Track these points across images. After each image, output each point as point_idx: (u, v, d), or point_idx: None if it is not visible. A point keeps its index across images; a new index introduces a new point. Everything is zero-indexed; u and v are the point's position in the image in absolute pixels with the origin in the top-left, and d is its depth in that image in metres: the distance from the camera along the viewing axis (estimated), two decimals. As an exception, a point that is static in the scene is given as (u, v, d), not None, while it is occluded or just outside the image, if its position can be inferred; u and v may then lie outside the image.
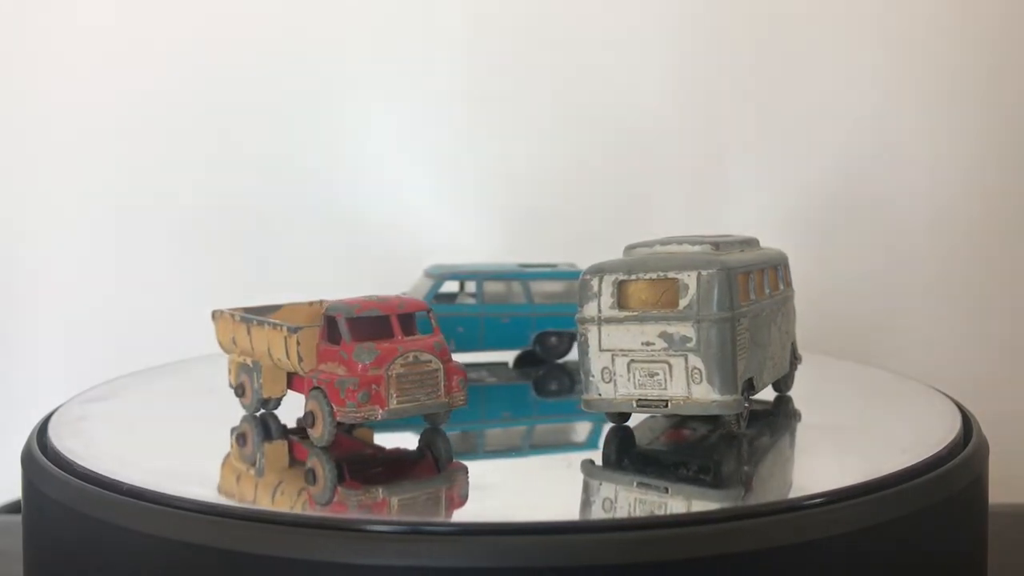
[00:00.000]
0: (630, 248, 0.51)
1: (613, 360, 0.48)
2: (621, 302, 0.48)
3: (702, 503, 0.41)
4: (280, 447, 0.50)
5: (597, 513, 0.41)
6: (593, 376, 0.48)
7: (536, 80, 0.90)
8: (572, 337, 0.69)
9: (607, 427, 0.51)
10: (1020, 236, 0.88)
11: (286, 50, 0.89)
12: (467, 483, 0.45)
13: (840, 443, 0.50)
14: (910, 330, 0.88)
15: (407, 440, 0.51)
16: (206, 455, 0.49)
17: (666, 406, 0.47)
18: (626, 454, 0.48)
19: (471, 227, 0.89)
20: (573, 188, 0.90)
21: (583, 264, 0.57)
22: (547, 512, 0.41)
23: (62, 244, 0.89)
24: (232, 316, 0.54)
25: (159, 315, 0.88)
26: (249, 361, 0.53)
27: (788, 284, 0.56)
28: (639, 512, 0.41)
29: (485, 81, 0.90)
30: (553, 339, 0.69)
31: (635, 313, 0.47)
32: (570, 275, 0.70)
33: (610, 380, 0.48)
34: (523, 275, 0.69)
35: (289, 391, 0.53)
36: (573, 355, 0.69)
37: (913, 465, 0.43)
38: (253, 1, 0.90)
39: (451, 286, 0.71)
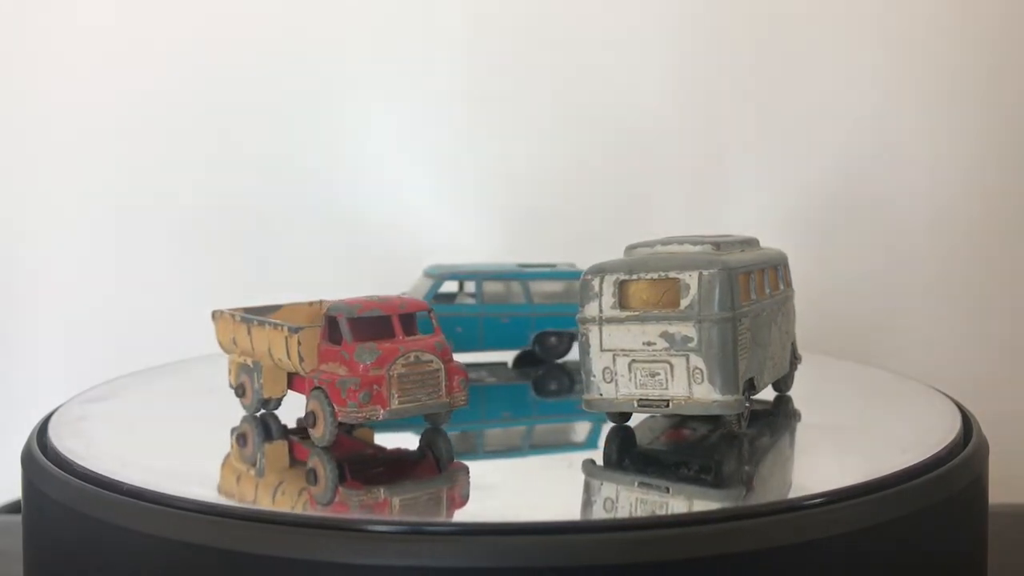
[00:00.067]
0: (631, 248, 0.51)
1: (614, 360, 0.48)
2: (622, 302, 0.48)
3: (703, 503, 0.41)
4: (281, 447, 0.50)
5: (598, 513, 0.41)
6: (594, 376, 0.48)
7: (536, 80, 0.90)
8: (571, 337, 0.69)
9: (607, 427, 0.51)
10: (1020, 236, 0.88)
11: (286, 50, 0.89)
12: (468, 483, 0.45)
13: (840, 443, 0.50)
14: (910, 330, 0.88)
15: (408, 440, 0.51)
16: (206, 455, 0.49)
17: (667, 406, 0.47)
18: (627, 454, 0.48)
19: (471, 227, 0.89)
20: (573, 188, 0.90)
21: (583, 264, 0.57)
22: (548, 512, 0.41)
23: (62, 244, 0.89)
24: (232, 316, 0.54)
25: (159, 315, 0.88)
26: (249, 361, 0.53)
27: (788, 284, 0.56)
28: (640, 512, 0.41)
29: (485, 81, 0.90)
30: (552, 339, 0.69)
31: (636, 313, 0.47)
32: (569, 275, 0.70)
33: (611, 380, 0.48)
34: (522, 275, 0.69)
35: (290, 391, 0.53)
36: (572, 355, 0.69)
37: (913, 465, 0.43)
38: (253, 1, 0.90)
39: (450, 286, 0.71)
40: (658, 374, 0.47)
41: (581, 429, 0.56)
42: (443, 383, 0.48)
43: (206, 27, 0.89)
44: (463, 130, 0.90)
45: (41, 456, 0.46)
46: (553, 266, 0.72)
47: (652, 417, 0.52)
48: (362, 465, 0.48)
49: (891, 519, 0.40)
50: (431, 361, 0.48)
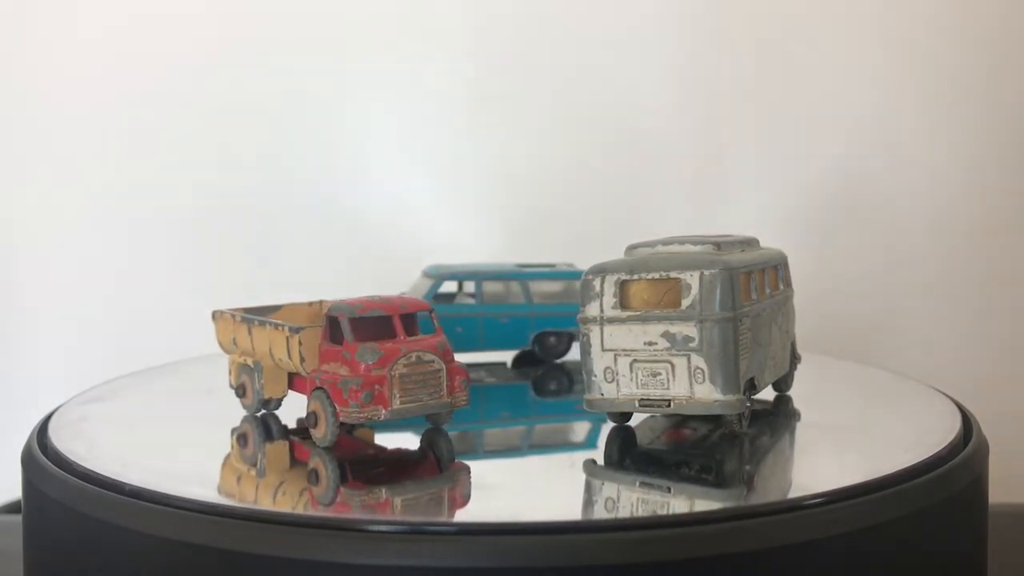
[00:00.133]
0: (632, 248, 0.51)
1: (615, 360, 0.48)
2: (623, 302, 0.48)
3: (704, 503, 0.41)
4: (281, 447, 0.50)
5: (599, 513, 0.41)
6: (595, 376, 0.48)
7: (536, 80, 0.90)
8: (571, 337, 0.69)
9: (608, 427, 0.51)
10: (1020, 236, 0.88)
11: (286, 50, 0.89)
12: (469, 483, 0.45)
13: (840, 443, 0.50)
14: (910, 330, 0.88)
15: (409, 440, 0.51)
16: (206, 455, 0.49)
17: (669, 406, 0.47)
18: (628, 454, 0.48)
19: (471, 227, 0.89)
20: (573, 188, 0.90)
21: (582, 264, 0.57)
22: (550, 512, 0.41)
23: (62, 244, 0.89)
24: (232, 316, 0.54)
25: (159, 315, 0.88)
26: (250, 361, 0.53)
27: (788, 284, 0.56)
28: (641, 512, 0.41)
29: (485, 81, 0.90)
30: (552, 339, 0.69)
31: (637, 313, 0.47)
32: (569, 275, 0.70)
33: (612, 380, 0.48)
34: (522, 275, 0.69)
35: (290, 391, 0.53)
36: (572, 355, 0.69)
37: (913, 465, 0.43)
38: (253, 1, 0.90)
39: (450, 286, 0.71)
40: (659, 374, 0.47)
41: (581, 429, 0.56)
42: (445, 383, 0.48)
43: (206, 27, 0.89)
44: (463, 130, 0.90)
45: (41, 456, 0.46)
46: (552, 266, 0.72)
47: (652, 417, 0.52)
48: (363, 465, 0.48)
49: (891, 519, 0.40)
50: (433, 361, 0.48)
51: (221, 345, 0.55)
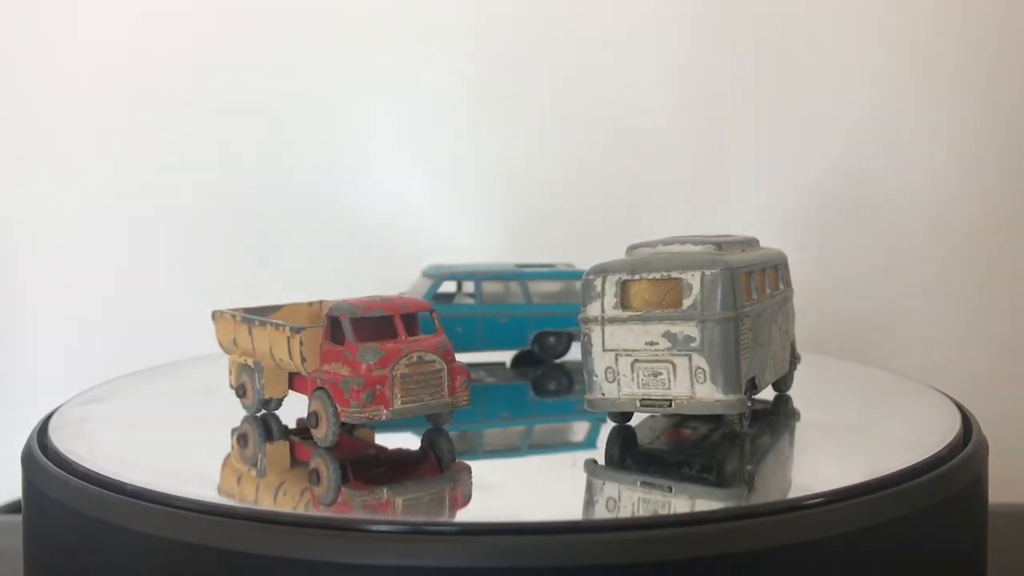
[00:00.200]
0: (632, 248, 0.51)
1: (617, 360, 0.48)
2: (624, 302, 0.48)
3: (705, 503, 0.41)
4: (282, 447, 0.50)
5: (600, 513, 0.41)
6: (597, 376, 0.48)
7: (536, 80, 0.90)
8: (570, 337, 0.69)
9: (608, 427, 0.51)
10: (1020, 236, 0.88)
11: (286, 50, 0.89)
12: (470, 483, 0.45)
13: (840, 443, 0.50)
14: (910, 330, 0.88)
15: (409, 440, 0.51)
16: (206, 455, 0.49)
17: (670, 406, 0.47)
18: (629, 454, 0.48)
19: (471, 227, 0.89)
20: (573, 188, 0.90)
21: (582, 264, 0.57)
22: (551, 512, 0.41)
23: (62, 244, 0.89)
24: (233, 316, 0.54)
25: (159, 315, 0.88)
26: (250, 361, 0.53)
27: (788, 284, 0.56)
28: (642, 512, 0.41)
29: (485, 81, 0.90)
30: (551, 339, 0.69)
31: (639, 313, 0.47)
32: (568, 275, 0.70)
33: (614, 380, 0.48)
34: (521, 275, 0.69)
35: (291, 391, 0.53)
36: (571, 355, 0.69)
37: (913, 465, 0.43)
38: (253, 1, 0.90)
39: (449, 286, 0.71)
40: (660, 374, 0.47)
41: (582, 429, 0.56)
42: (446, 383, 0.48)
43: (206, 27, 0.89)
44: (463, 130, 0.90)
45: (41, 456, 0.46)
46: (551, 266, 0.72)
47: (652, 417, 0.52)
48: (364, 465, 0.48)
49: (891, 519, 0.40)
50: (434, 361, 0.48)
51: (221, 345, 0.55)
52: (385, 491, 0.43)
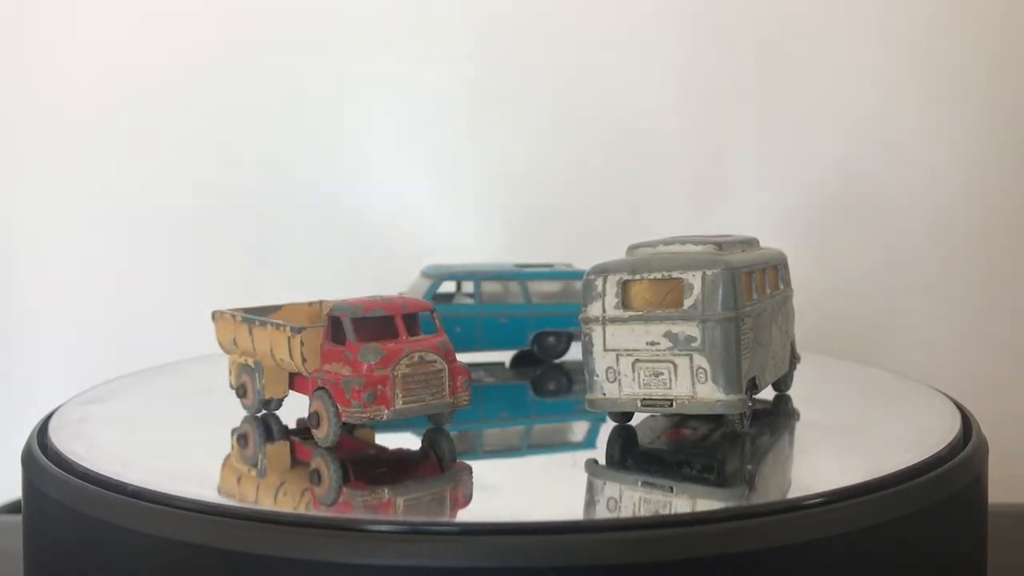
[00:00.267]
0: (633, 248, 0.51)
1: (618, 360, 0.48)
2: (625, 302, 0.48)
3: (705, 503, 0.41)
4: (282, 447, 0.50)
5: (601, 513, 0.41)
6: (597, 376, 0.48)
7: (536, 80, 0.90)
8: (570, 337, 0.69)
9: (608, 427, 0.51)
10: (1020, 236, 0.88)
11: (286, 50, 0.89)
12: (471, 483, 0.45)
13: (840, 443, 0.50)
14: (910, 330, 0.88)
15: (410, 440, 0.51)
16: (206, 455, 0.49)
17: (671, 405, 0.47)
18: (629, 454, 0.48)
19: (471, 227, 0.89)
20: (573, 188, 0.90)
21: (581, 264, 0.57)
22: (551, 512, 0.41)
23: (62, 244, 0.89)
24: (233, 316, 0.54)
25: (159, 315, 0.88)
26: (250, 362, 0.53)
27: (788, 284, 0.56)
28: (643, 512, 0.41)
29: (485, 81, 0.90)
30: (551, 339, 0.69)
31: (639, 313, 0.47)
32: (567, 275, 0.70)
33: (614, 380, 0.48)
34: (520, 275, 0.69)
35: (291, 391, 0.53)
36: (570, 355, 0.69)
37: (913, 465, 0.43)
38: (253, 1, 0.90)
39: (448, 286, 0.71)
40: (661, 374, 0.47)
41: (582, 429, 0.56)
42: (447, 383, 0.48)
43: (206, 27, 0.89)
44: (463, 130, 0.90)
45: (41, 456, 0.46)
46: (551, 266, 0.72)
47: (653, 417, 0.52)
48: (365, 465, 0.48)
49: (891, 519, 0.40)
50: (435, 361, 0.48)
51: (221, 345, 0.55)
52: (386, 491, 0.43)
